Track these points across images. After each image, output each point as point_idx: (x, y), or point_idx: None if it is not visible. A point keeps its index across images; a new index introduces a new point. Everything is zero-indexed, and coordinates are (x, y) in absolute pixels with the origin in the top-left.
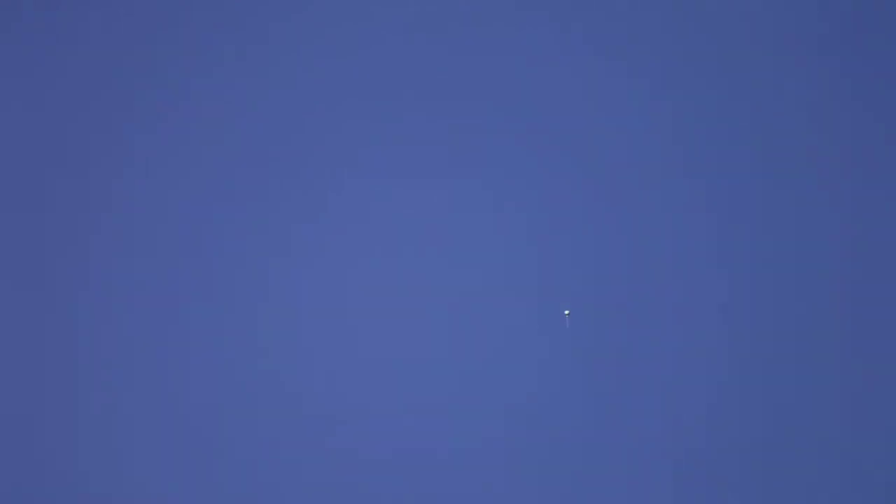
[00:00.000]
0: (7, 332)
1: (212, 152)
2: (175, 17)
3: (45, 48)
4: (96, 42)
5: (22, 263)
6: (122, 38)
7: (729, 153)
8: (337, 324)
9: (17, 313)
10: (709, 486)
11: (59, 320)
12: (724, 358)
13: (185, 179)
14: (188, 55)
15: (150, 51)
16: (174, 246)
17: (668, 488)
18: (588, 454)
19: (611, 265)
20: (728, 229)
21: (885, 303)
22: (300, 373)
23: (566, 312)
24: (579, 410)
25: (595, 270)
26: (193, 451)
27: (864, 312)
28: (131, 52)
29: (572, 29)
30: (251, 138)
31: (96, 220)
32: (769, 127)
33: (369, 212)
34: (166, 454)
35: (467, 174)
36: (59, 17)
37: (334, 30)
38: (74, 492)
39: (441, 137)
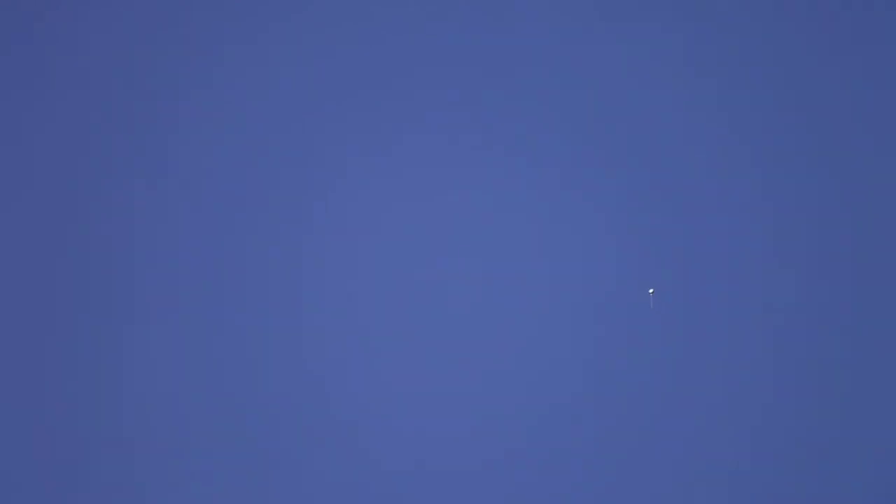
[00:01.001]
0: (9, 334)
1: (219, 150)
2: (174, 16)
3: (42, 52)
4: (89, 43)
5: (24, 264)
6: (119, 38)
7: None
8: (353, 325)
9: (20, 314)
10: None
11: (61, 321)
12: (770, 364)
13: (191, 178)
14: (189, 54)
15: (147, 51)
16: (180, 248)
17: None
18: (613, 458)
19: (641, 266)
20: (780, 229)
21: None
22: (313, 375)
23: (650, 291)
24: (608, 416)
25: (620, 272)
26: (200, 452)
27: None
28: (129, 53)
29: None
30: (257, 134)
31: (100, 222)
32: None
33: (390, 207)
34: (173, 455)
35: (490, 168)
36: (53, 21)
37: (343, 17)
38: (77, 492)
39: (459, 130)
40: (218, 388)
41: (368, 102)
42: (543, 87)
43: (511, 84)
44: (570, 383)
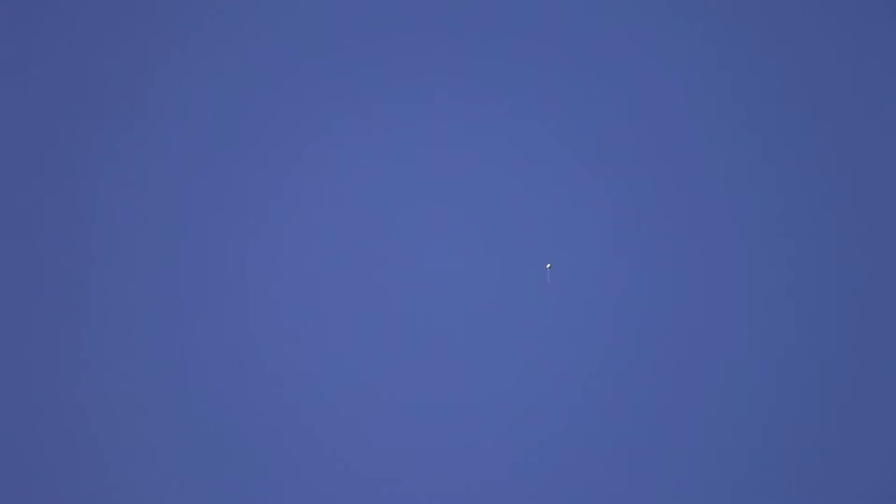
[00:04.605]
0: (6, 333)
1: (200, 125)
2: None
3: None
4: (66, 23)
5: (17, 262)
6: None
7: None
8: (347, 318)
9: (15, 313)
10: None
11: (50, 320)
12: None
13: (169, 164)
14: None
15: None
16: (169, 241)
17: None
18: (614, 459)
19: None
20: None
21: None
22: (305, 372)
23: (548, 266)
24: (610, 417)
25: (622, 270)
26: (194, 450)
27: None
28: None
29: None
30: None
31: (84, 217)
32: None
33: (391, 194)
34: (168, 453)
35: (490, 164)
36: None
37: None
38: (76, 491)
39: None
40: (213, 384)
41: (371, 90)
42: (544, 77)
43: (513, 75)
44: (571, 383)
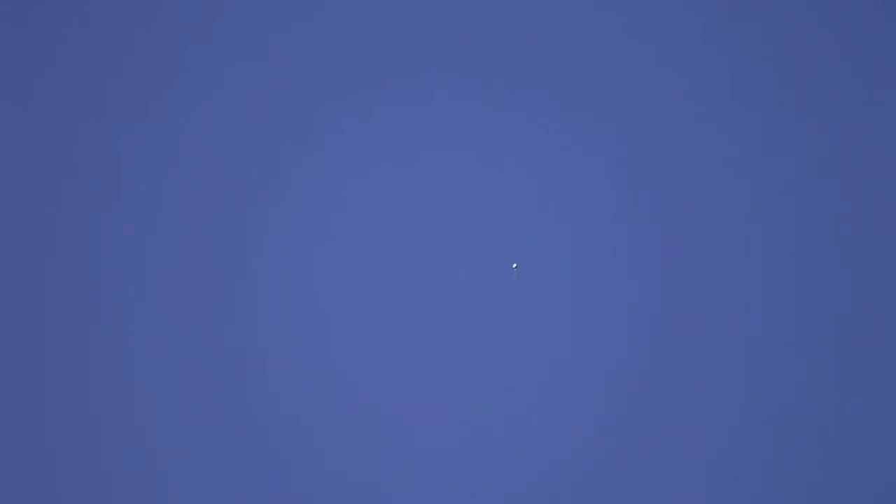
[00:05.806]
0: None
1: (196, 127)
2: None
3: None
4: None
5: (15, 262)
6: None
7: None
8: (350, 318)
9: (13, 313)
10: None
11: (45, 319)
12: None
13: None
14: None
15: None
16: (168, 241)
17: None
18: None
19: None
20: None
21: None
22: (306, 373)
23: (514, 266)
24: (614, 418)
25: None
26: (194, 451)
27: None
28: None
29: None
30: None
31: (83, 217)
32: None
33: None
34: (168, 453)
35: (492, 165)
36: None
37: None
38: (76, 491)
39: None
40: (212, 385)
41: (375, 96)
42: (545, 77)
43: (514, 75)
44: (575, 388)
